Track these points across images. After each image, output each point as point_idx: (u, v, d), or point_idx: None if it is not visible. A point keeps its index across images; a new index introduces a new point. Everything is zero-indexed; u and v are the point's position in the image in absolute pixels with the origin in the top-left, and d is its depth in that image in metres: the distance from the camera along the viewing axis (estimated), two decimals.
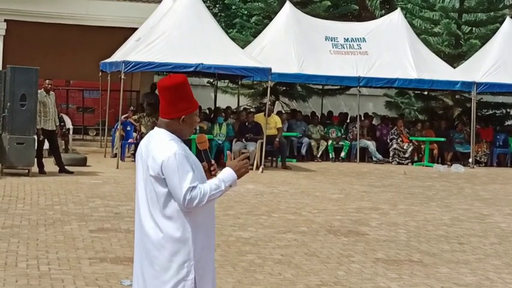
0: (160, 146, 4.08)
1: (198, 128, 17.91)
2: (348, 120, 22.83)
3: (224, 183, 4.08)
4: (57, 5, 21.24)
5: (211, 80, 24.27)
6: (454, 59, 24.46)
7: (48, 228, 9.41)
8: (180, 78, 4.20)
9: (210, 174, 4.30)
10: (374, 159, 21.09)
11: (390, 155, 21.20)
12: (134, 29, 20.18)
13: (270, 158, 19.03)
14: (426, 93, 25.40)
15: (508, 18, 22.97)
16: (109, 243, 8.65)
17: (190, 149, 4.32)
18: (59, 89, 21.53)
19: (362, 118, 21.97)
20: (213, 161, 4.37)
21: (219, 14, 33.61)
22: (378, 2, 31.72)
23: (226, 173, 4.12)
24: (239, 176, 4.14)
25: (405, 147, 21.16)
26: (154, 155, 4.07)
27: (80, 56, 22.71)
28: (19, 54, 20.09)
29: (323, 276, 7.59)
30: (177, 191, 4.00)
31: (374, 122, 23.64)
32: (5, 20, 21.15)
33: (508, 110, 26.17)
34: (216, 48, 17.28)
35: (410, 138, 21.29)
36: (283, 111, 23.23)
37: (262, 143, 17.57)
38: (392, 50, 21.20)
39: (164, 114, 4.16)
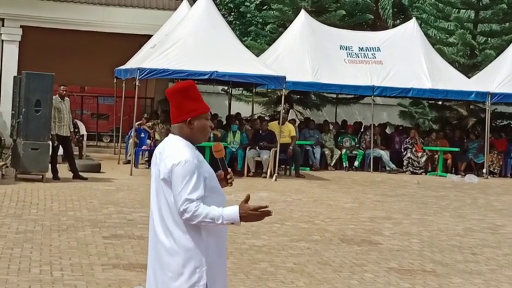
0: (173, 150, 4.08)
1: (212, 135, 17.97)
2: (362, 130, 22.79)
3: (223, 219, 3.95)
4: (72, 11, 21.34)
5: (226, 88, 24.31)
6: (468, 69, 24.41)
7: (61, 234, 9.43)
8: (186, 82, 4.22)
9: (226, 182, 4.29)
10: (388, 168, 21.04)
11: (404, 164, 21.15)
12: (149, 36, 20.25)
13: (283, 166, 19.02)
14: (440, 103, 25.34)
15: None
16: (122, 249, 8.67)
17: (204, 156, 4.31)
18: (73, 95, 21.63)
19: (376, 127, 21.93)
20: (229, 170, 4.34)
21: (234, 22, 33.68)
22: (390, 11, 31.71)
23: (231, 212, 3.97)
24: (245, 221, 3.99)
25: (419, 157, 21.10)
26: (166, 159, 4.07)
27: (95, 63, 22.80)
28: (34, 60, 20.19)
29: (335, 285, 7.57)
30: (176, 198, 4.01)
31: (387, 131, 23.59)
32: (21, 26, 21.27)
33: None
34: (230, 56, 17.30)
35: (424, 148, 21.23)
36: (297, 120, 23.23)
37: (275, 151, 17.57)
38: (406, 60, 21.16)
39: (173, 119, 4.16)
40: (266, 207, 4.02)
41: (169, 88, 4.22)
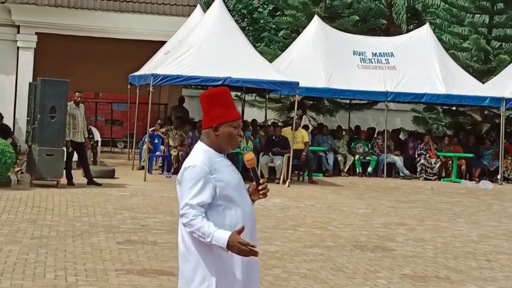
0: (189, 156, 4.10)
1: None
2: (375, 135, 22.75)
3: (212, 239, 3.89)
4: (87, 18, 21.44)
5: (239, 94, 24.34)
6: (482, 75, 24.33)
7: (76, 239, 9.48)
8: (219, 88, 4.20)
9: (258, 193, 4.20)
10: (401, 174, 21.00)
11: (418, 170, 21.10)
12: (163, 42, 20.32)
13: (296, 172, 19.03)
14: (454, 108, 25.27)
15: None
16: (136, 255, 8.70)
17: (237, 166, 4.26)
18: (88, 101, 21.74)
19: (389, 133, 21.90)
20: (261, 180, 4.22)
21: (247, 28, 33.74)
22: (404, 16, 31.68)
23: (221, 236, 3.88)
24: (231, 250, 3.90)
25: (433, 163, 21.05)
26: (183, 164, 4.10)
27: (109, 69, 22.89)
28: (49, 67, 20.29)
29: None
30: (180, 201, 4.02)
31: (401, 137, 23.54)
32: (36, 33, 21.39)
33: None
34: (243, 61, 17.34)
35: (438, 153, 21.17)
36: (310, 125, 23.23)
37: (289, 157, 17.58)
38: (420, 65, 21.12)
39: (203, 125, 4.16)
40: (254, 246, 3.92)
41: (201, 93, 4.21)
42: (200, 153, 4.06)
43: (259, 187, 4.18)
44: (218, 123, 4.05)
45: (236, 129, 4.09)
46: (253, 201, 4.21)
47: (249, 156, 4.21)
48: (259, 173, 17.95)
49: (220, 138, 4.07)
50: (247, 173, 4.30)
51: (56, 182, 14.53)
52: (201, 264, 4.00)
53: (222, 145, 4.09)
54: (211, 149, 4.08)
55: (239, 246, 3.87)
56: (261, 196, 4.20)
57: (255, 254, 3.93)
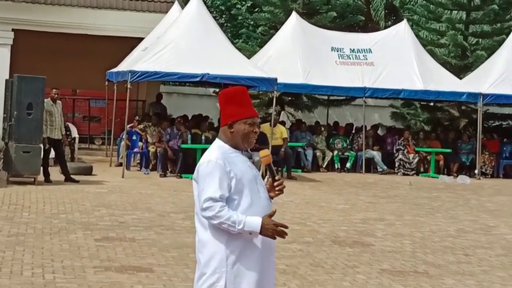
0: (205, 153, 4.16)
1: (203, 138, 17.97)
2: (353, 131, 22.81)
3: (244, 226, 3.96)
4: (64, 14, 21.31)
5: (217, 90, 24.30)
6: (460, 70, 24.46)
7: (53, 236, 9.42)
8: (237, 87, 4.30)
9: (274, 190, 4.27)
10: (380, 169, 21.07)
11: (396, 165, 21.17)
12: (140, 39, 20.23)
13: (275, 168, 18.97)
14: (432, 104, 25.39)
15: None
16: (114, 252, 8.66)
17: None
18: (65, 98, 21.59)
19: (368, 129, 21.96)
20: (277, 177, 4.29)
21: (225, 24, 33.70)
22: (382, 13, 31.78)
23: (253, 222, 3.98)
24: (263, 233, 3.99)
25: (411, 158, 21.14)
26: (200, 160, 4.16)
27: (86, 66, 22.77)
28: (26, 64, 20.16)
29: (327, 287, 7.58)
30: (200, 196, 4.05)
31: (379, 133, 23.61)
32: (13, 30, 21.22)
33: None
34: (222, 58, 17.31)
35: (417, 149, 21.25)
36: (289, 121, 23.24)
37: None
38: (398, 61, 21.19)
39: (220, 123, 4.23)
40: (286, 227, 4.04)
41: (219, 92, 4.28)
42: (214, 149, 4.15)
43: (275, 183, 4.26)
44: (233, 121, 4.13)
45: (251, 126, 4.15)
46: (271, 197, 4.27)
47: (264, 153, 4.25)
48: None
49: (235, 135, 4.15)
50: None
51: (33, 179, 14.43)
52: (214, 255, 4.04)
53: (237, 142, 4.17)
54: (227, 145, 4.15)
55: (274, 228, 3.99)
56: (277, 192, 4.28)
57: (285, 235, 4.05)
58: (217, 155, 4.08)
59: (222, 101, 4.20)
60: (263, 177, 4.33)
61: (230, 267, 4.02)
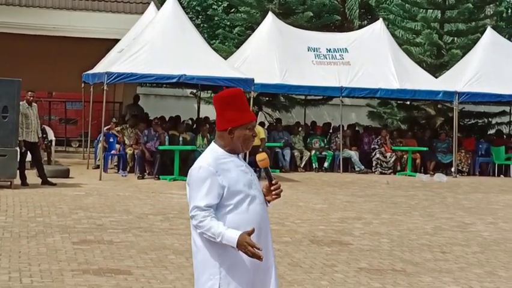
0: (200, 156, 4.13)
1: (181, 139, 17.94)
2: (331, 131, 22.87)
3: (222, 239, 3.90)
4: (39, 16, 21.20)
5: (194, 91, 24.29)
6: (435, 69, 24.62)
7: (30, 240, 9.36)
8: (233, 90, 4.17)
9: (271, 193, 4.26)
10: (357, 169, 21.13)
11: (373, 164, 21.26)
12: (116, 40, 20.17)
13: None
14: (408, 103, 25.53)
15: (488, 28, 23.21)
16: (92, 255, 8.62)
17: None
18: (41, 100, 21.46)
19: (345, 128, 22.03)
20: (274, 181, 4.24)
21: (202, 25, 33.66)
22: (357, 12, 31.88)
23: (231, 237, 3.89)
24: (239, 249, 3.93)
25: (388, 157, 21.22)
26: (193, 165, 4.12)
27: (62, 68, 22.66)
28: (1, 66, 20.02)
29: (306, 286, 7.59)
30: (189, 203, 4.04)
31: (358, 129, 23.67)
32: None
33: (490, 119, 26.35)
34: (198, 59, 17.30)
35: (393, 148, 21.35)
36: (266, 122, 23.25)
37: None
38: (374, 61, 21.28)
39: (217, 127, 4.15)
40: (260, 249, 3.93)
41: (215, 95, 4.18)
42: (208, 154, 4.09)
43: (272, 187, 4.24)
44: (233, 126, 4.05)
45: (251, 131, 4.11)
46: (268, 201, 4.25)
47: (261, 156, 4.21)
48: None
49: (235, 141, 4.08)
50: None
51: (9, 183, 14.33)
52: (207, 261, 4.02)
53: (237, 147, 4.11)
54: (224, 150, 4.09)
55: (246, 246, 3.88)
56: (274, 196, 4.27)
57: (259, 257, 3.93)
58: (209, 161, 4.02)
59: (219, 105, 4.09)
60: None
61: (224, 274, 4.00)
